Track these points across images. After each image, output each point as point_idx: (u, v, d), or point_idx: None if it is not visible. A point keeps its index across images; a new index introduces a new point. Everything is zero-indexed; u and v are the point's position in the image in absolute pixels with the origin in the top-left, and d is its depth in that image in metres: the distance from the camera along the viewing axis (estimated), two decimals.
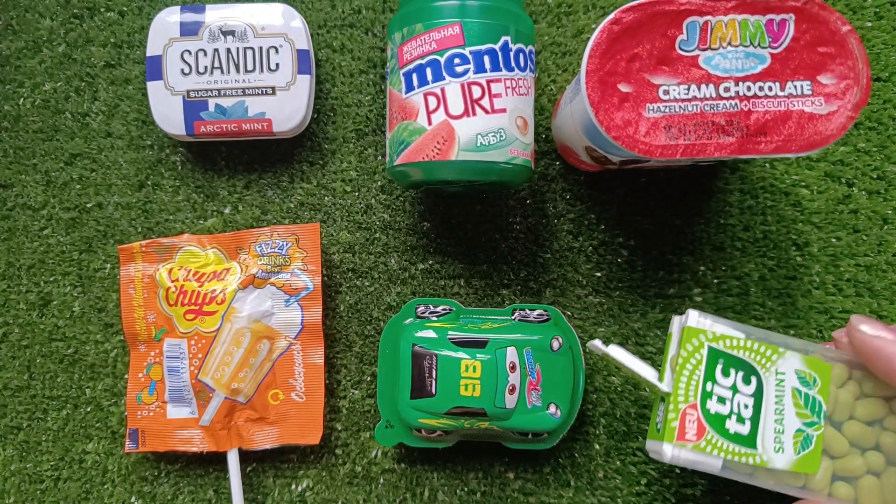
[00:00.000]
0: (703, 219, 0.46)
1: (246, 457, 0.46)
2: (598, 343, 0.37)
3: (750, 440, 0.35)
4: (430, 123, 0.39)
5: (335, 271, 0.47)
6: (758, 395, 0.36)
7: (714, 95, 0.34)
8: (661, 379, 0.37)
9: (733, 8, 0.34)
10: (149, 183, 0.47)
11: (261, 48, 0.44)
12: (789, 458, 0.35)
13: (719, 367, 0.36)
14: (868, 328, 0.34)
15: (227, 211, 0.47)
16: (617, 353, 0.37)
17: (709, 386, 0.36)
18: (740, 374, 0.36)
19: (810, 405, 0.36)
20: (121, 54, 0.48)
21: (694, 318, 0.36)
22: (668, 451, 0.35)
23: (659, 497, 0.44)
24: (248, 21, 0.44)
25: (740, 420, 0.35)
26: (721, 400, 0.36)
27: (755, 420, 0.35)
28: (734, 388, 0.36)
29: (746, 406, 0.36)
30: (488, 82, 0.38)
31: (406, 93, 0.39)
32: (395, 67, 0.40)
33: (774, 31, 0.34)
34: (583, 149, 0.40)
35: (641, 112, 0.34)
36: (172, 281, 0.44)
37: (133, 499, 0.46)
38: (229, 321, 0.44)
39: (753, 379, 0.36)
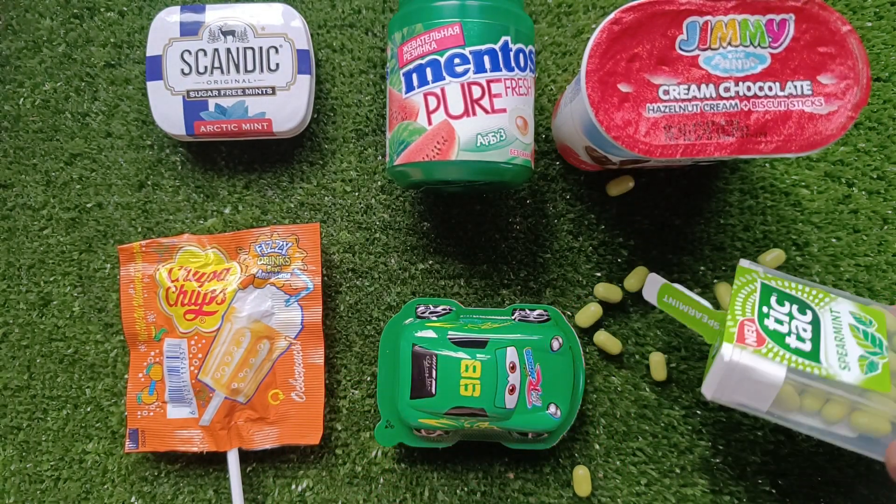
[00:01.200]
0: (703, 219, 0.46)
1: (246, 457, 0.46)
2: (654, 276, 0.36)
3: (813, 355, 0.33)
4: (430, 123, 0.39)
5: (335, 271, 0.47)
6: (815, 324, 0.34)
7: (714, 95, 0.34)
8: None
9: (733, 8, 0.34)
10: (149, 183, 0.47)
11: (261, 48, 0.44)
12: (857, 375, 0.33)
13: (773, 298, 0.34)
14: None
15: (227, 211, 0.47)
16: (678, 286, 0.36)
17: (765, 309, 0.34)
18: (795, 306, 0.34)
19: (870, 339, 0.34)
20: (121, 54, 0.48)
21: (745, 262, 0.35)
22: (728, 352, 0.32)
23: (659, 497, 0.44)
24: (248, 21, 0.44)
25: (800, 339, 0.33)
26: (779, 321, 0.33)
27: (815, 341, 0.33)
28: (790, 315, 0.33)
29: (805, 329, 0.33)
30: (488, 82, 0.38)
31: (406, 93, 0.39)
32: (395, 67, 0.40)
33: (774, 31, 0.34)
34: (583, 149, 0.40)
35: (641, 112, 0.34)
36: (172, 281, 0.44)
37: (133, 499, 0.46)
38: (229, 321, 0.44)
39: (808, 311, 0.34)
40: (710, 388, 0.33)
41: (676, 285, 0.38)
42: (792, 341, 0.33)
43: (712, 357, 0.35)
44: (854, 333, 0.34)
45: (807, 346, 0.33)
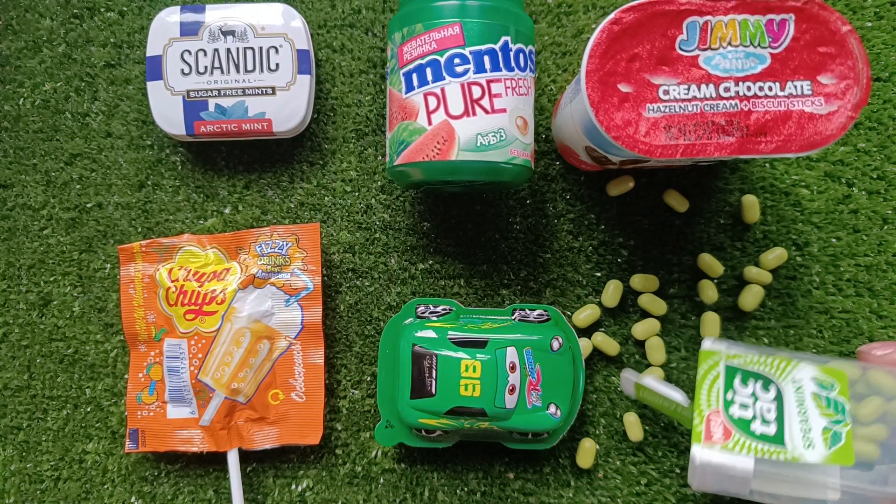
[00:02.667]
0: (703, 219, 0.46)
1: (246, 457, 0.46)
2: (628, 374, 0.38)
3: (777, 439, 0.34)
4: (430, 123, 0.39)
5: (335, 271, 0.47)
6: (779, 400, 0.35)
7: (714, 95, 0.34)
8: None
9: (733, 8, 0.34)
10: (149, 183, 0.47)
11: (261, 48, 0.44)
12: (821, 452, 0.34)
13: (737, 380, 0.36)
14: (879, 351, 0.35)
15: (227, 211, 0.47)
16: (648, 381, 0.38)
17: (729, 395, 0.35)
18: (758, 383, 0.36)
19: (833, 406, 0.35)
20: (121, 54, 0.48)
21: (707, 343, 0.36)
22: (698, 454, 0.34)
23: (659, 497, 0.44)
24: (248, 21, 0.44)
25: (765, 422, 0.35)
26: (744, 406, 0.35)
27: (780, 421, 0.35)
28: (754, 396, 0.35)
29: (769, 410, 0.35)
30: (488, 82, 0.38)
31: (406, 93, 0.39)
32: (395, 67, 0.40)
33: (774, 31, 0.34)
34: (583, 149, 0.40)
35: (641, 112, 0.34)
36: (172, 281, 0.44)
37: (133, 499, 0.46)
38: (229, 321, 0.44)
39: (772, 387, 0.36)
40: (693, 483, 0.36)
41: (647, 381, 0.39)
42: (757, 427, 0.35)
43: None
44: (817, 403, 0.35)
45: (772, 430, 0.35)
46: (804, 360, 0.36)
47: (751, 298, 0.44)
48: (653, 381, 0.39)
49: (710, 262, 0.44)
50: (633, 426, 0.44)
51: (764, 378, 0.36)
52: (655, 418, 0.45)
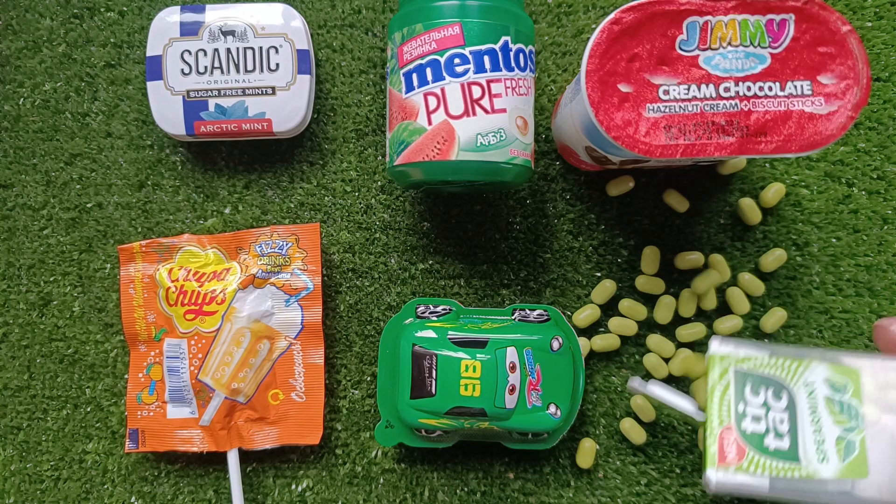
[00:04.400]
0: (703, 219, 0.46)
1: (246, 457, 0.46)
2: (635, 384, 0.38)
3: (791, 454, 0.35)
4: (430, 123, 0.39)
5: (335, 271, 0.47)
6: (791, 409, 0.35)
7: (714, 95, 0.34)
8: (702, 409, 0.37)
9: (733, 8, 0.34)
10: (149, 183, 0.47)
11: (261, 48, 0.44)
12: (835, 466, 0.34)
13: (748, 388, 0.36)
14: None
15: (227, 211, 0.47)
16: (656, 390, 0.38)
17: (741, 407, 0.35)
18: (770, 390, 0.36)
19: (846, 410, 0.35)
20: (121, 54, 0.48)
21: (715, 345, 0.36)
22: (713, 476, 0.35)
23: (659, 497, 0.44)
24: (248, 21, 0.44)
25: (778, 436, 0.35)
26: (756, 419, 0.35)
27: (793, 433, 0.35)
28: (766, 406, 0.35)
29: (782, 421, 0.35)
30: (488, 82, 0.38)
31: (406, 93, 0.39)
32: (395, 67, 0.40)
33: (774, 31, 0.34)
34: (583, 149, 0.40)
35: (641, 112, 0.34)
36: (172, 281, 0.44)
37: (133, 499, 0.46)
38: (229, 321, 0.44)
39: (784, 394, 0.36)
40: (710, 491, 0.36)
41: (653, 391, 0.39)
42: (771, 442, 0.35)
43: (703, 446, 0.37)
44: (830, 409, 0.36)
45: (785, 444, 0.35)
46: (815, 359, 0.36)
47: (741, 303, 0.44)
48: (660, 390, 0.38)
49: (718, 262, 0.44)
50: (633, 430, 0.44)
51: (775, 384, 0.36)
52: (655, 418, 0.45)
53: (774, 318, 0.44)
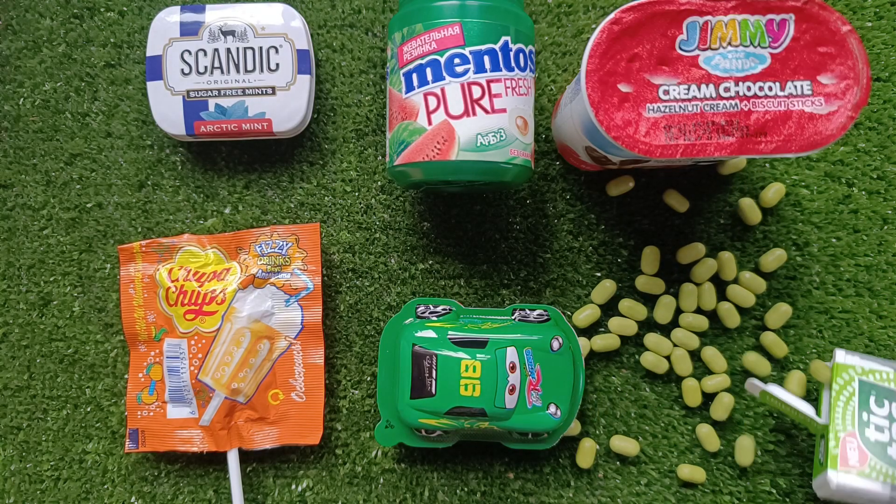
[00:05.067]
0: (703, 219, 0.46)
1: (246, 457, 0.46)
2: (755, 381, 0.38)
3: None
4: (430, 123, 0.39)
5: (335, 271, 0.47)
6: None
7: (714, 95, 0.34)
8: (818, 414, 0.36)
9: (733, 8, 0.34)
10: (149, 183, 0.47)
11: (261, 48, 0.44)
12: None
13: (872, 399, 0.36)
14: None
15: (227, 211, 0.47)
16: (777, 391, 0.38)
17: (864, 416, 0.35)
18: (894, 404, 0.36)
19: None
20: (121, 54, 0.48)
21: (841, 356, 0.36)
22: (834, 478, 0.34)
23: (659, 497, 0.44)
24: (248, 21, 0.44)
25: None
26: (879, 428, 0.35)
27: None
28: (891, 417, 0.35)
29: None
30: (488, 82, 0.38)
31: (406, 93, 0.39)
32: (395, 67, 0.40)
33: (774, 31, 0.34)
34: (583, 149, 0.40)
35: (641, 112, 0.34)
36: (172, 281, 0.44)
37: (133, 499, 0.46)
38: (229, 321, 0.44)
39: None
40: (821, 495, 0.37)
41: (774, 391, 0.39)
42: (894, 452, 0.35)
43: (817, 448, 0.37)
44: None
45: None
46: None
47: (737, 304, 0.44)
48: (780, 391, 0.38)
49: (727, 260, 0.44)
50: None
51: None
52: (655, 418, 0.45)
53: (777, 313, 0.44)
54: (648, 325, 0.45)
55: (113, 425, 0.47)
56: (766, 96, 0.33)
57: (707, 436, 0.43)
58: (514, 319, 0.43)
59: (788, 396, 0.38)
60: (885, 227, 0.45)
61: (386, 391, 0.43)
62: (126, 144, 0.47)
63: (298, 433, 0.44)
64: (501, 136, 0.39)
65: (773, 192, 0.44)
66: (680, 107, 0.34)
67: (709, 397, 0.45)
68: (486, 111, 0.38)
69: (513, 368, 0.41)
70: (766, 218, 0.45)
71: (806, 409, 0.37)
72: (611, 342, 0.44)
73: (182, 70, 0.44)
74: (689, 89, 0.34)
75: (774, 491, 0.44)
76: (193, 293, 0.44)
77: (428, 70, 0.38)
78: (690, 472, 0.43)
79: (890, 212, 0.45)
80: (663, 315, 0.44)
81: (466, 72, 0.38)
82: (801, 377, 0.42)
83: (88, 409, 0.47)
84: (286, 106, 0.44)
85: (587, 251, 0.46)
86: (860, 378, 0.36)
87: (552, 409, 0.41)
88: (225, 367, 0.44)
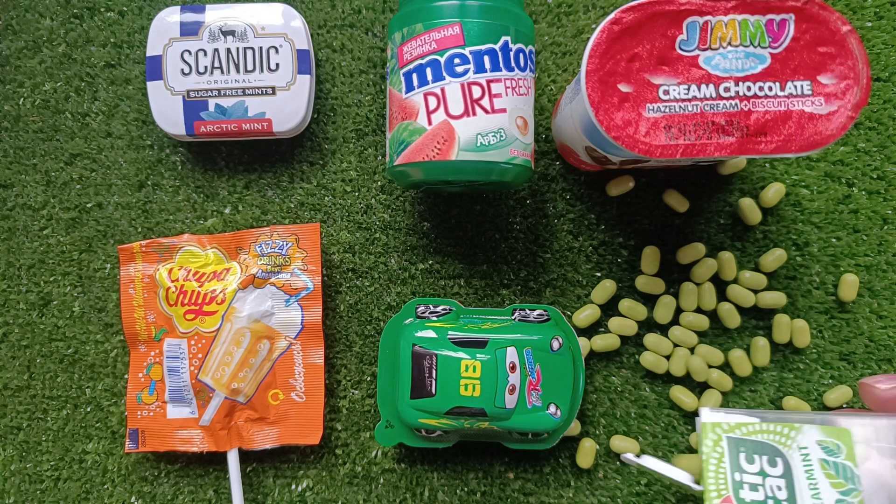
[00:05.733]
0: (703, 219, 0.46)
1: (246, 457, 0.46)
2: (630, 456, 0.38)
3: None
4: (430, 123, 0.39)
5: (335, 271, 0.47)
6: (788, 475, 0.35)
7: (714, 95, 0.34)
8: (698, 481, 0.36)
9: (733, 8, 0.34)
10: (149, 183, 0.47)
11: (261, 48, 0.44)
12: None
13: (742, 456, 0.35)
14: (884, 385, 0.35)
15: (227, 211, 0.47)
16: (650, 462, 0.37)
17: (737, 476, 0.35)
18: (764, 458, 0.35)
19: (841, 473, 0.35)
20: (121, 54, 0.48)
21: (706, 413, 0.36)
22: None
23: (659, 497, 0.44)
24: (248, 21, 0.44)
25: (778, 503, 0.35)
26: (753, 487, 0.35)
27: (791, 500, 0.35)
28: (763, 473, 0.35)
29: (780, 488, 0.35)
30: (488, 82, 0.38)
31: (406, 93, 0.39)
32: (395, 67, 0.40)
33: (774, 31, 0.34)
34: (583, 149, 0.40)
35: (641, 112, 0.34)
36: (172, 281, 0.44)
37: (133, 499, 0.46)
38: (229, 321, 0.44)
39: (779, 460, 0.35)
40: None
41: (647, 463, 0.39)
42: None
43: None
44: (826, 472, 0.35)
45: None
46: (806, 422, 0.36)
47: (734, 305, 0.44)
48: (654, 462, 0.38)
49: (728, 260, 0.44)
50: (587, 452, 0.44)
51: (770, 449, 0.36)
52: (655, 418, 0.45)
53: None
54: (648, 325, 0.45)
55: (113, 425, 0.47)
56: (766, 96, 0.33)
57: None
58: (514, 319, 0.43)
59: (663, 466, 0.38)
60: (885, 227, 0.45)
61: (386, 391, 0.43)
62: (126, 144, 0.47)
63: (298, 433, 0.44)
64: (501, 136, 0.39)
65: (773, 192, 0.44)
66: (680, 107, 0.34)
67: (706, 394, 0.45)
68: (486, 111, 0.38)
69: (513, 368, 0.41)
70: (766, 218, 0.45)
71: (682, 477, 0.37)
72: (611, 342, 0.44)
73: (182, 70, 0.44)
74: (689, 89, 0.34)
75: None
76: (193, 293, 0.44)
77: (428, 70, 0.38)
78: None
79: (890, 212, 0.45)
80: (663, 315, 0.44)
81: (466, 72, 0.38)
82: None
83: (88, 409, 0.47)
84: (286, 106, 0.44)
85: (587, 251, 0.46)
86: (727, 435, 0.36)
87: (552, 409, 0.41)
88: (225, 367, 0.44)
